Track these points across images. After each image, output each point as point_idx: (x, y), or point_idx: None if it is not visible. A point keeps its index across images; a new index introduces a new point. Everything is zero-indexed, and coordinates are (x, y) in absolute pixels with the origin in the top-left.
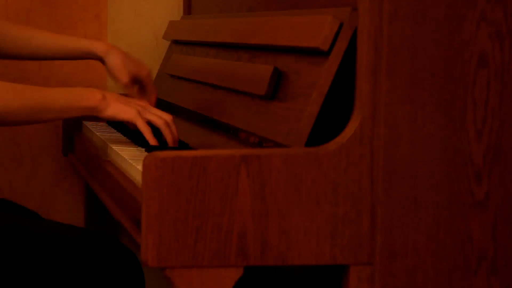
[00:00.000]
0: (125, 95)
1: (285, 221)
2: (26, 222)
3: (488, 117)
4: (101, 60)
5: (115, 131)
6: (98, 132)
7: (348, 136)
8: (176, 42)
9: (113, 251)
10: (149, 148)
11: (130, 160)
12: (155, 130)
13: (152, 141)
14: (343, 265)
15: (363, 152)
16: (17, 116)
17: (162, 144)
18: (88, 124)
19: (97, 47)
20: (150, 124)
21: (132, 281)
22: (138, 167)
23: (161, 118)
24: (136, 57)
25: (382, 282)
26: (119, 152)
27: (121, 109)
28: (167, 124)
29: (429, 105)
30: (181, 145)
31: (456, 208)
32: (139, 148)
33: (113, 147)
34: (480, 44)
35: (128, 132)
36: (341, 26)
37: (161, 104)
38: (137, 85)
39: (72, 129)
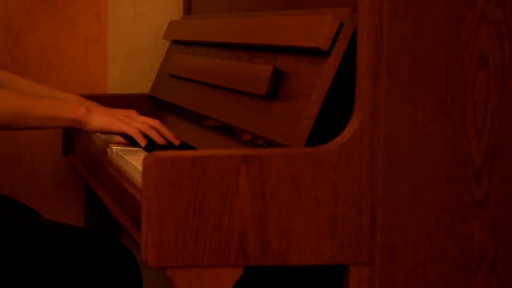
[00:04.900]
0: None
1: (285, 221)
2: (26, 219)
3: (488, 117)
4: None
5: None
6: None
7: (348, 136)
8: (176, 42)
9: (110, 250)
10: (149, 148)
11: (130, 160)
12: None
13: (142, 142)
14: (343, 265)
15: (363, 152)
16: None
17: (166, 145)
18: None
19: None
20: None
21: (130, 280)
22: (138, 167)
23: (146, 124)
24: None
25: (382, 282)
26: (119, 152)
27: (107, 121)
28: (152, 128)
29: (429, 105)
30: (181, 145)
31: (456, 208)
32: (139, 148)
33: (113, 147)
34: (480, 44)
35: None
36: (341, 26)
37: (161, 104)
38: None
39: (72, 129)
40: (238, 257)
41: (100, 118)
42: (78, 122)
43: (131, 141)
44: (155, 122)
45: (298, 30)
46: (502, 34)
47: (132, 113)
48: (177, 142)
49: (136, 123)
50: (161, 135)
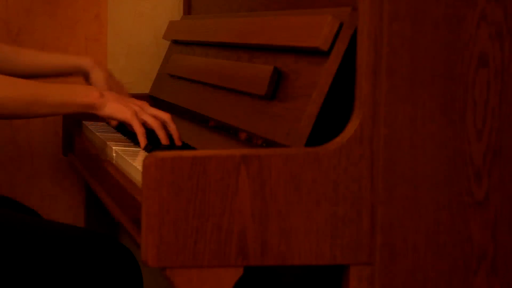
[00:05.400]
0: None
1: (285, 221)
2: (26, 220)
3: (488, 117)
4: (86, 75)
5: (115, 131)
6: (98, 132)
7: (348, 136)
8: (176, 42)
9: (111, 250)
10: (148, 148)
11: (130, 160)
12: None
13: (142, 143)
14: (343, 265)
15: (363, 152)
16: (12, 108)
17: (169, 145)
18: (88, 124)
19: (84, 61)
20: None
21: (130, 280)
22: (138, 167)
23: (157, 119)
24: (117, 81)
25: (382, 282)
26: (119, 152)
27: (118, 108)
28: (161, 125)
29: (429, 105)
30: (181, 145)
31: (456, 208)
32: (139, 148)
33: (113, 147)
34: (480, 44)
35: (128, 131)
36: (341, 26)
37: (161, 104)
38: None
39: (72, 129)
40: (238, 257)
41: (113, 104)
42: (92, 107)
43: (130, 136)
44: (166, 116)
45: (298, 30)
46: (502, 34)
47: (145, 104)
48: (178, 143)
49: (146, 115)
50: (168, 133)
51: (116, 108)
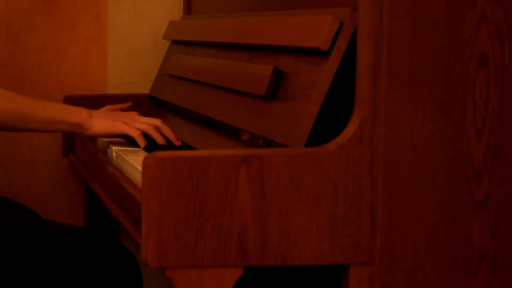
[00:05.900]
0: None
1: (285, 221)
2: (26, 221)
3: (488, 117)
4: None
5: None
6: None
7: (348, 136)
8: (176, 42)
9: (110, 251)
10: (148, 148)
11: (130, 160)
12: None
13: (142, 144)
14: (343, 265)
15: (363, 152)
16: (0, 121)
17: (167, 145)
18: None
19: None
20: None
21: (130, 280)
22: (138, 167)
23: (149, 124)
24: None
25: (382, 282)
26: (119, 152)
27: (108, 124)
28: (154, 127)
29: (429, 105)
30: (181, 145)
31: (456, 208)
32: (139, 148)
33: (113, 147)
34: (480, 44)
35: None
36: (341, 26)
37: (161, 104)
38: None
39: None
40: (238, 257)
41: (102, 122)
42: (80, 126)
43: (131, 142)
44: (157, 121)
45: (298, 30)
46: (502, 34)
47: (134, 115)
48: (177, 143)
49: (138, 123)
50: (163, 135)
51: (106, 124)
